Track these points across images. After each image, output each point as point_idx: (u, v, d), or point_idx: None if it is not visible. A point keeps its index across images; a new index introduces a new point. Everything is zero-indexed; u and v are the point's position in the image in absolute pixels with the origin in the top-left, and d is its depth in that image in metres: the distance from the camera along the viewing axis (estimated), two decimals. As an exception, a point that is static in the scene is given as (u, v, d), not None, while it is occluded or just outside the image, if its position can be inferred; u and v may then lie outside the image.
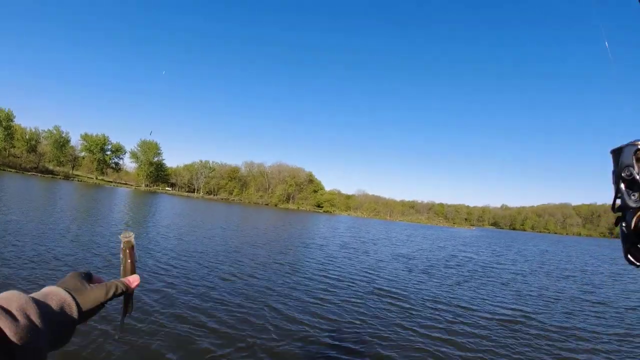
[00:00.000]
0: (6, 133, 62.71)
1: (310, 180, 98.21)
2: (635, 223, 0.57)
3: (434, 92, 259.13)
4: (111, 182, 79.98)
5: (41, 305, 0.53)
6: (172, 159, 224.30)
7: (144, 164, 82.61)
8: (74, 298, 0.59)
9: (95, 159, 78.45)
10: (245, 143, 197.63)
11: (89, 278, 0.67)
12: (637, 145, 0.61)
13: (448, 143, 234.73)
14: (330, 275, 9.62)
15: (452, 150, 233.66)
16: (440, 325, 6.26)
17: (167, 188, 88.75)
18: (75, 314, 0.58)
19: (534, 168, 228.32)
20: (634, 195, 0.60)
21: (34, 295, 0.56)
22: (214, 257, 10.00)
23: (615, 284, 13.54)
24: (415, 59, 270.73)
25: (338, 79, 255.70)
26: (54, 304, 0.55)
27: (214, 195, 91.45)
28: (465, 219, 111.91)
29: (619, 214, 0.61)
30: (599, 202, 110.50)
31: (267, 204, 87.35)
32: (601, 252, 33.71)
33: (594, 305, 9.37)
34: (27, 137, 68.58)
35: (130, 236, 0.75)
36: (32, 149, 69.26)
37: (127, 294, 0.72)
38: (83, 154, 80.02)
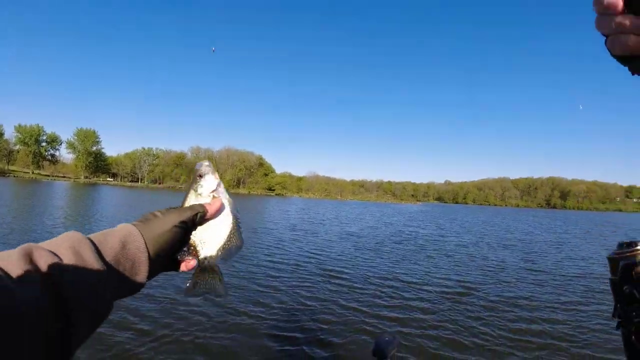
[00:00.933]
0: None
1: (261, 163, 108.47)
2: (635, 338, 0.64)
3: (378, 71, 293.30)
4: (48, 175, 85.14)
5: (97, 242, 0.54)
6: (113, 148, 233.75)
7: (81, 154, 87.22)
8: (138, 230, 0.58)
9: (30, 151, 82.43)
10: (191, 128, 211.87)
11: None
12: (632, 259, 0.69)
13: (395, 122, 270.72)
14: (276, 260, 10.48)
15: (399, 130, 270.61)
16: (388, 303, 7.14)
17: (108, 179, 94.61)
18: (142, 247, 0.57)
19: (474, 145, 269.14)
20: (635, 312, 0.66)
21: (94, 234, 0.56)
22: None
23: (555, 252, 15.56)
24: (360, 35, 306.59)
25: (283, 61, 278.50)
26: (114, 240, 0.56)
27: (160, 183, 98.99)
28: (412, 195, 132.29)
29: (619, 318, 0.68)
30: (535, 176, 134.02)
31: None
32: (538, 222, 39.63)
33: (534, 273, 10.91)
34: None
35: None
36: None
37: (204, 219, 0.66)
38: (17, 147, 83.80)
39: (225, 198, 0.69)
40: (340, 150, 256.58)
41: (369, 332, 5.41)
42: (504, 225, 32.22)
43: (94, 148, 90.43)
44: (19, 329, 0.40)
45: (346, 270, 9.93)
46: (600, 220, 50.98)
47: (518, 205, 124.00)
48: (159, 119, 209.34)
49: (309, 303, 6.84)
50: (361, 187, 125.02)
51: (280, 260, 10.68)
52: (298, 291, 7.47)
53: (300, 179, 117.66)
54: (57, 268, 0.47)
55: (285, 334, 5.23)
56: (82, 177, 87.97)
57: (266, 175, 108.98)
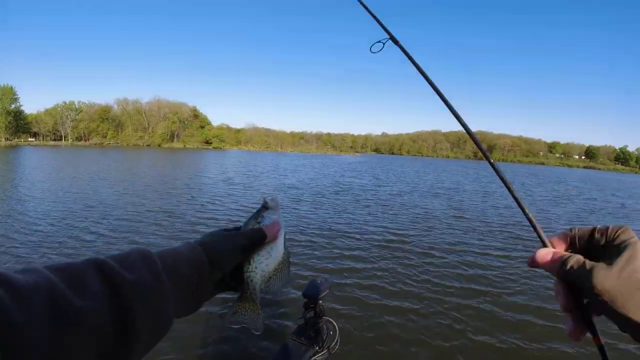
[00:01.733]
0: None
1: (195, 115, 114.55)
2: None
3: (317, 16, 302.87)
4: None
5: (165, 261, 0.63)
6: (32, 105, 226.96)
7: (0, 115, 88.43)
8: (203, 250, 0.69)
9: None
10: (116, 78, 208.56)
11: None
12: None
13: (334, 72, 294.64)
14: (208, 217, 11.71)
15: (337, 80, 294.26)
16: (321, 253, 8.23)
17: (29, 139, 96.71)
18: (205, 268, 0.68)
19: (409, 98, 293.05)
20: None
21: (162, 251, 0.66)
22: (86, 214, 11.73)
23: (481, 201, 18.43)
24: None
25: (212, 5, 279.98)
26: (181, 259, 0.66)
27: (85, 140, 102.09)
28: (351, 147, 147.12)
29: None
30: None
31: (148, 145, 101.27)
32: (467, 172, 46.18)
33: (463, 221, 12.81)
34: None
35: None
36: None
37: (262, 241, 0.78)
38: None
39: (282, 232, 0.84)
40: (279, 102, 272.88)
41: (303, 282, 5.91)
42: (435, 175, 37.13)
43: (13, 106, 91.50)
44: (72, 336, 0.45)
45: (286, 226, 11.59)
46: (524, 172, 59.34)
47: (448, 157, 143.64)
48: (80, 70, 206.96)
49: None
50: (301, 139, 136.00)
51: (212, 216, 11.90)
52: None
53: (238, 131, 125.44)
54: (124, 282, 0.54)
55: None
56: (3, 139, 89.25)
57: (202, 127, 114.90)
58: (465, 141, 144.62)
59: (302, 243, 9.24)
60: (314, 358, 2.13)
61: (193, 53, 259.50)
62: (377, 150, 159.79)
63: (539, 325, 5.65)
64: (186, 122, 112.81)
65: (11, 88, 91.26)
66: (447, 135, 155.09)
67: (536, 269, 0.88)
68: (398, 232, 10.85)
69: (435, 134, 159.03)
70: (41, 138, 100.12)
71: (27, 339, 0.41)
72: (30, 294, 0.44)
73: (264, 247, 0.80)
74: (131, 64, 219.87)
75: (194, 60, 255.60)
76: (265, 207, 0.85)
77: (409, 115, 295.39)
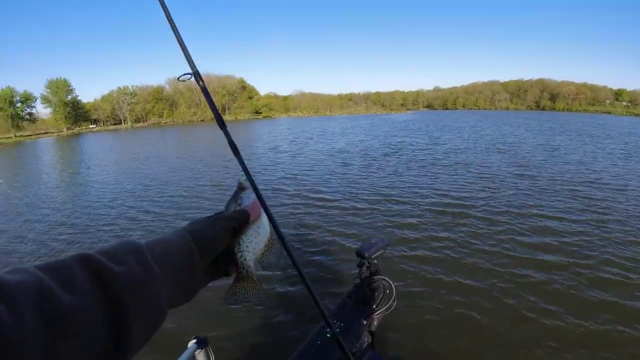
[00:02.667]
0: None
1: (243, 86, 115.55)
2: None
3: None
4: (30, 135, 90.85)
5: (153, 250, 0.62)
6: (89, 94, 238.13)
7: (58, 106, 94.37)
8: (192, 238, 0.69)
9: (7, 115, 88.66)
10: (164, 59, 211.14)
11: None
12: None
13: (378, 29, 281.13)
14: (260, 187, 13.73)
15: (382, 36, 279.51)
16: (376, 223, 7.83)
17: (91, 126, 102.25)
18: (196, 254, 0.68)
19: (463, 48, 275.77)
20: None
21: (149, 241, 0.65)
22: (143, 193, 12.64)
23: (552, 155, 17.39)
24: None
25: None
26: (170, 247, 0.66)
27: (144, 121, 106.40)
28: (401, 104, 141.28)
29: None
30: (525, 78, 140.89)
31: (202, 120, 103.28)
32: (529, 124, 42.25)
33: (532, 180, 11.83)
34: None
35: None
36: None
37: (243, 223, 0.79)
38: None
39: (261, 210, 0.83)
40: (325, 66, 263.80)
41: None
42: (495, 129, 34.36)
43: (69, 97, 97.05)
44: (63, 332, 0.45)
45: (332, 190, 10.78)
46: (591, 122, 52.66)
47: (508, 108, 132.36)
48: (130, 55, 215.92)
49: (302, 223, 7.96)
50: (349, 100, 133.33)
51: (265, 186, 11.96)
52: (286, 211, 8.69)
53: (286, 98, 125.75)
54: (113, 275, 0.53)
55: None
56: (65, 129, 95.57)
57: (251, 98, 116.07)
58: (525, 91, 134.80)
59: (352, 211, 8.97)
60: (371, 316, 2.11)
61: (236, 24, 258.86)
62: (429, 107, 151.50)
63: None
64: (235, 95, 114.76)
65: (65, 81, 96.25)
66: (505, 85, 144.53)
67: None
68: (457, 195, 10.21)
69: (492, 84, 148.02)
70: (102, 124, 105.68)
71: (18, 338, 0.40)
72: (19, 292, 0.44)
73: (250, 227, 0.81)
74: (176, 45, 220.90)
75: (237, 32, 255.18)
76: (241, 187, 0.87)
77: (463, 66, 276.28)
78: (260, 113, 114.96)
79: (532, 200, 9.63)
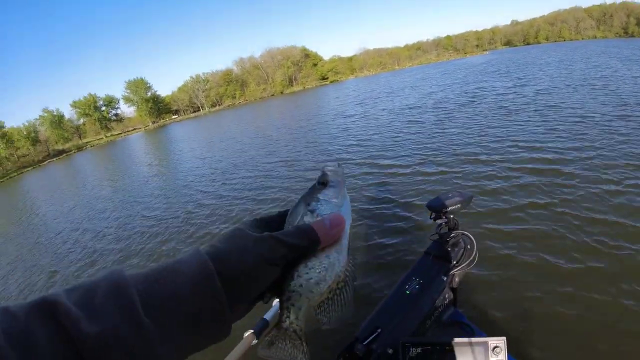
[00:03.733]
0: (4, 141, 78.60)
1: (306, 55, 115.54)
2: None
3: None
4: (120, 133, 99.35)
5: (147, 284, 0.45)
6: (165, 87, 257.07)
7: (140, 104, 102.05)
8: (214, 268, 0.48)
9: (95, 119, 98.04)
10: (227, 41, 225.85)
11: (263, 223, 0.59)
12: None
13: None
14: (325, 158, 11.60)
15: None
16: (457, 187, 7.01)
17: (173, 117, 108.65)
18: (215, 289, 0.47)
19: None
20: None
21: (148, 271, 0.48)
22: (213, 176, 13.50)
23: None
24: None
25: None
26: (178, 283, 0.46)
27: (219, 105, 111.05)
28: (477, 46, 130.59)
29: None
30: (609, 1, 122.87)
31: (272, 95, 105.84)
32: (620, 53, 34.22)
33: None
34: (24, 133, 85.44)
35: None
36: (35, 141, 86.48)
37: (313, 249, 0.54)
38: (82, 120, 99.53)
39: (347, 228, 0.56)
40: (387, 15, 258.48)
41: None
42: (585, 62, 28.92)
43: (149, 94, 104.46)
44: None
45: (402, 154, 10.30)
46: None
47: (595, 37, 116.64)
48: (195, 45, 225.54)
49: (371, 192, 7.89)
50: (418, 49, 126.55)
51: (327, 158, 11.85)
52: (356, 183, 8.56)
53: (350, 59, 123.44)
54: (83, 336, 0.38)
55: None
56: (150, 123, 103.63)
57: (315, 65, 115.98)
58: (611, 15, 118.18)
59: (426, 178, 8.21)
60: (451, 272, 2.06)
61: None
62: (508, 44, 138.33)
63: None
64: (299, 64, 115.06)
65: (142, 80, 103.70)
66: (588, 11, 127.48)
67: None
68: (552, 149, 8.42)
69: (575, 10, 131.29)
70: (182, 113, 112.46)
71: None
72: None
73: (318, 256, 0.55)
74: (235, 27, 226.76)
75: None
76: (322, 182, 0.59)
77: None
78: (327, 78, 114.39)
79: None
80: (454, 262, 2.13)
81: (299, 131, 19.86)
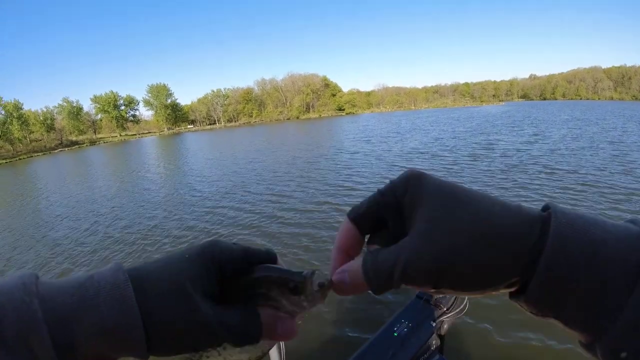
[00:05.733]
0: (20, 122, 78.61)
1: (326, 84, 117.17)
2: None
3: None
4: (135, 134, 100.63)
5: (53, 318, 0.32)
6: (186, 96, 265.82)
7: (159, 109, 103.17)
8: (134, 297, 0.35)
9: (112, 117, 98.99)
10: (252, 61, 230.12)
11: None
12: None
13: (465, 15, 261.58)
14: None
15: (471, 23, 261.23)
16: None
17: (189, 126, 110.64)
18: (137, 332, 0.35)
19: (560, 31, 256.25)
20: None
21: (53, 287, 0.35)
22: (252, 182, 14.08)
23: None
24: None
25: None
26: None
27: (235, 121, 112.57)
28: (493, 95, 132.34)
29: None
30: (629, 64, 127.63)
31: (288, 119, 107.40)
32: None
33: None
34: (41, 118, 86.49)
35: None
36: (50, 128, 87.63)
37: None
38: (99, 116, 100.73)
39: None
40: (408, 57, 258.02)
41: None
42: (610, 124, 28.26)
43: (169, 101, 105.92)
44: None
45: None
46: None
47: (612, 98, 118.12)
48: (220, 60, 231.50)
49: None
50: (435, 92, 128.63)
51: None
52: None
53: (369, 93, 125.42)
54: None
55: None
56: (166, 129, 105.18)
57: (334, 95, 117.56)
58: (630, 78, 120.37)
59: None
60: (440, 319, 2.06)
61: (317, 22, 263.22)
62: (525, 97, 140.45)
63: None
64: (318, 92, 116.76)
65: (165, 86, 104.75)
66: (607, 72, 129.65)
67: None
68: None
69: (594, 71, 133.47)
70: (198, 124, 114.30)
71: None
72: None
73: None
74: (261, 47, 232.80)
75: (319, 30, 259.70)
76: (305, 279, 0.44)
77: (561, 51, 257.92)
78: (343, 110, 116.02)
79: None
80: (445, 309, 2.12)
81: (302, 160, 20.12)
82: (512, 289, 0.39)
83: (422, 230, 0.37)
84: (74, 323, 0.33)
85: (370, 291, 0.40)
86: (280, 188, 12.97)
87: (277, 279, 0.44)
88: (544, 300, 0.35)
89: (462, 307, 2.15)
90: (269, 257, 0.47)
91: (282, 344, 1.63)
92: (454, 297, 2.18)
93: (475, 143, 20.62)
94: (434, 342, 2.02)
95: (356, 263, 0.41)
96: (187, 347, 0.40)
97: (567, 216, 0.35)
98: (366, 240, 0.45)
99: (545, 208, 0.38)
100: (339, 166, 16.55)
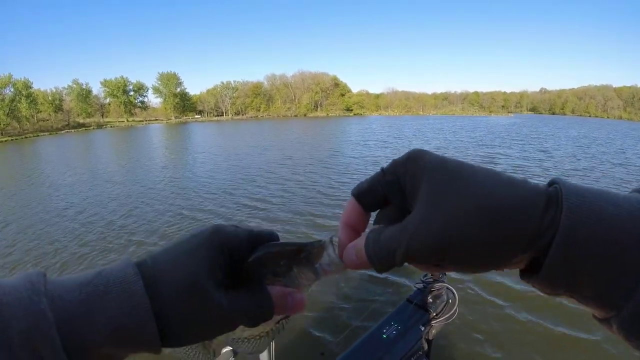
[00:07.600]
0: (29, 101, 78.51)
1: (336, 84, 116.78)
2: None
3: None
4: (142, 121, 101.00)
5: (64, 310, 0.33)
6: (195, 86, 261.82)
7: (168, 97, 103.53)
8: (146, 294, 0.36)
9: (120, 102, 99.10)
10: (263, 55, 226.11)
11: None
12: None
13: (479, 25, 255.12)
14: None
15: (485, 32, 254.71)
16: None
17: (196, 116, 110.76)
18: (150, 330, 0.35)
19: (573, 47, 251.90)
20: None
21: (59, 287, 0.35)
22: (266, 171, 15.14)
23: None
24: None
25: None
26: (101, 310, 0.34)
27: (243, 115, 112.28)
28: (502, 106, 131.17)
29: None
30: None
31: (295, 115, 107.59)
32: None
33: None
34: (49, 98, 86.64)
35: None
36: (58, 108, 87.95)
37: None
38: (108, 100, 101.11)
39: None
40: (419, 62, 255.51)
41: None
42: (618, 144, 28.13)
43: (178, 89, 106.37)
44: None
45: None
46: None
47: (621, 118, 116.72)
48: (232, 53, 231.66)
49: None
50: (444, 99, 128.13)
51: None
52: None
53: (377, 96, 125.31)
54: None
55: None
56: (173, 117, 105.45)
57: (343, 95, 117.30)
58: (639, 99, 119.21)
59: None
60: (429, 324, 2.05)
61: (331, 22, 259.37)
62: (534, 110, 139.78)
63: None
64: (328, 92, 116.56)
65: (175, 74, 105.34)
66: (618, 91, 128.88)
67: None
68: None
69: (604, 89, 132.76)
70: (205, 114, 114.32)
71: None
72: None
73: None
74: (273, 42, 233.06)
75: (332, 30, 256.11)
76: (319, 246, 0.45)
77: (573, 67, 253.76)
78: (351, 110, 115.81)
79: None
80: (434, 314, 2.12)
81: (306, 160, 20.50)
82: (520, 267, 0.38)
83: (426, 205, 0.36)
84: (84, 322, 0.33)
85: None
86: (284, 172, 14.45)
87: (288, 251, 0.45)
88: (560, 279, 0.34)
89: (451, 312, 2.15)
90: (272, 238, 0.47)
91: (272, 344, 1.64)
92: (444, 303, 2.18)
93: (477, 155, 20.77)
94: (421, 347, 2.01)
95: (362, 240, 0.42)
96: (202, 338, 0.41)
97: (576, 190, 0.34)
98: (373, 221, 0.45)
99: (552, 183, 0.37)
100: (332, 170, 17.10)
